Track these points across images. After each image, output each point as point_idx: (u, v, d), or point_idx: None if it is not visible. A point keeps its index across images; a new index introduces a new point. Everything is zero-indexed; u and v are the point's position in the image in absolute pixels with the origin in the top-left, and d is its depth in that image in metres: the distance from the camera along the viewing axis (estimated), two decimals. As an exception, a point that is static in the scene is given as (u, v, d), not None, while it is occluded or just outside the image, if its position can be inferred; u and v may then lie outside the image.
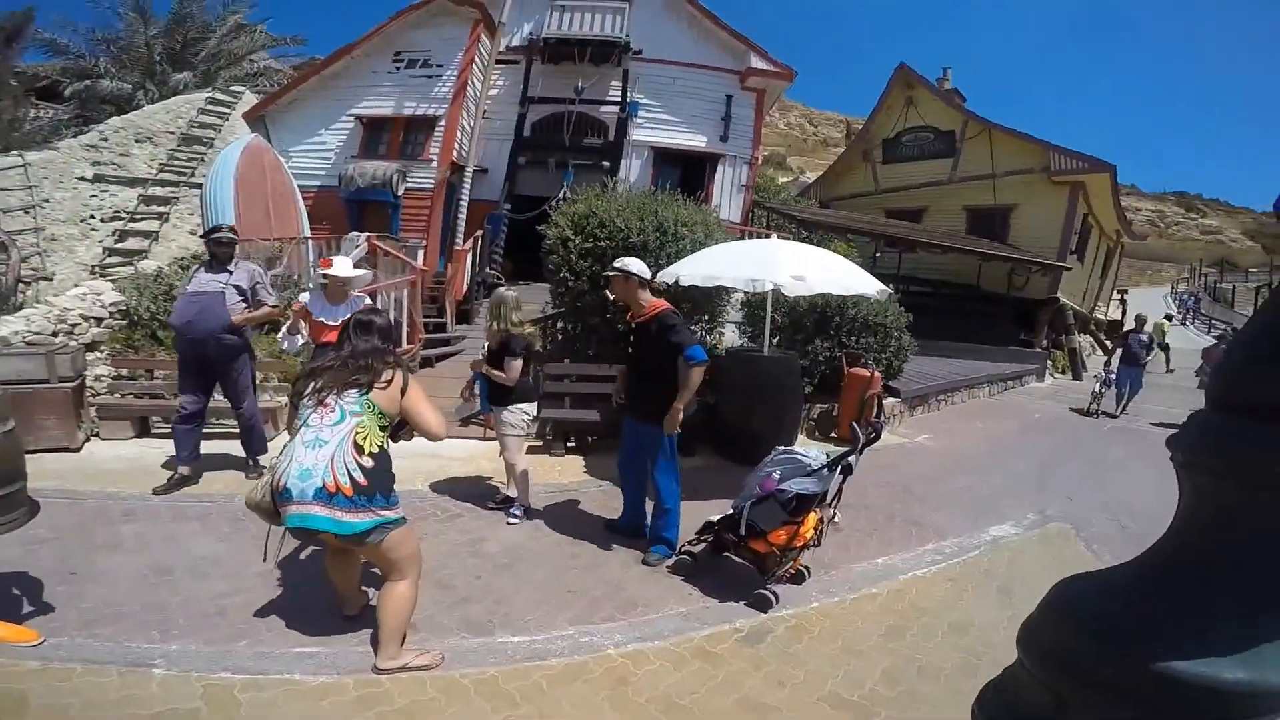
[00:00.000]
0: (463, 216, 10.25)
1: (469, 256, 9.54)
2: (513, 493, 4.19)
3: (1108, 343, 19.97)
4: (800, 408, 6.09)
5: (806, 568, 3.51)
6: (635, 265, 3.63)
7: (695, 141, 12.68)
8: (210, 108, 11.97)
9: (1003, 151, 14.99)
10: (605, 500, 4.55)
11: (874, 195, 17.38)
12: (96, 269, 9.19)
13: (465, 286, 9.49)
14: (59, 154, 10.28)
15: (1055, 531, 4.69)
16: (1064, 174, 14.10)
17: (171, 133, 11.36)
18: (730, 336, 7.37)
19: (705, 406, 5.91)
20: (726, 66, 12.58)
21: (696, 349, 3.45)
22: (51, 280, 8.83)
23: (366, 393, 2.43)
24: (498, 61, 11.34)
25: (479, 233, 10.19)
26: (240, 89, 13.23)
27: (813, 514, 3.40)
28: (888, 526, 4.49)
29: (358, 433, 2.36)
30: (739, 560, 3.51)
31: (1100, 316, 19.36)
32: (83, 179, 10.19)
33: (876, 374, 6.60)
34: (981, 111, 15.79)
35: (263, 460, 4.56)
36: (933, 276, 14.40)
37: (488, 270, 10.06)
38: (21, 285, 8.29)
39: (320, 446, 2.32)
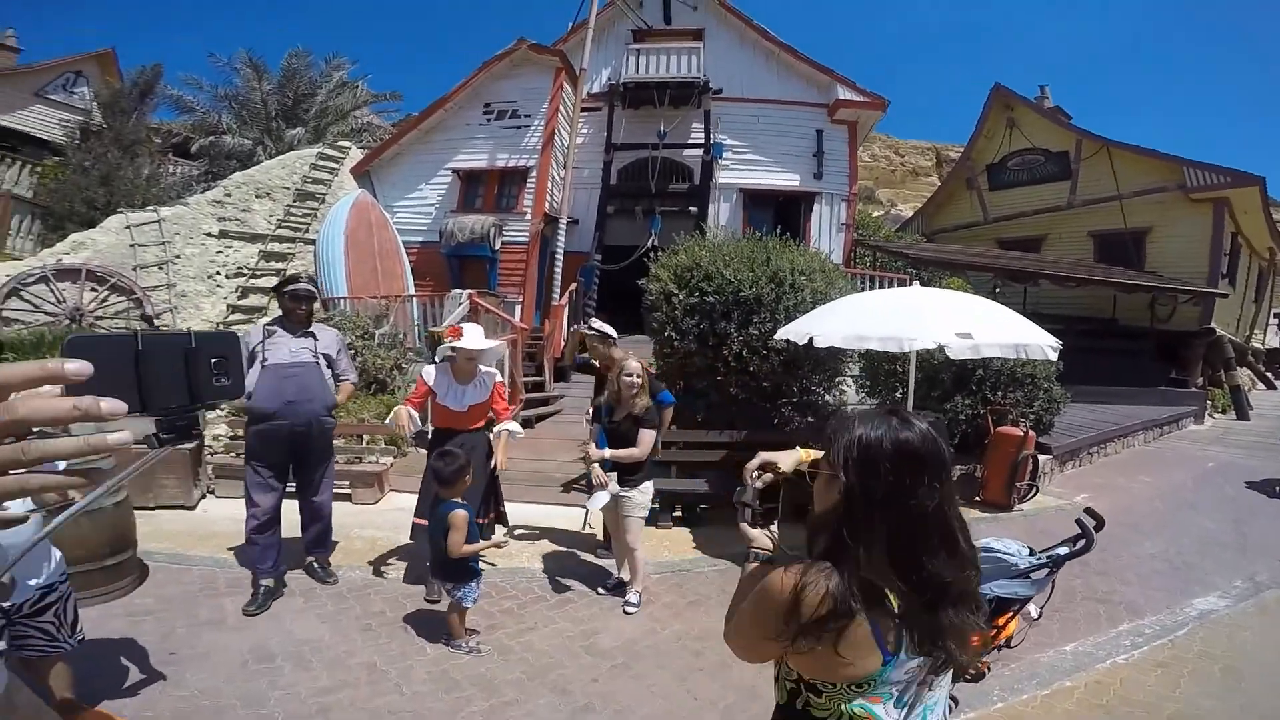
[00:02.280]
0: (558, 270, 10.16)
1: (565, 311, 9.38)
2: (625, 575, 3.76)
3: (1268, 374, 17.49)
4: (952, 479, 5.32)
5: (989, 665, 2.89)
6: (607, 327, 4.20)
7: (787, 181, 12.18)
8: (321, 163, 12.25)
9: (1127, 170, 13.57)
10: (723, 582, 4.05)
11: (984, 225, 16.16)
12: (220, 326, 9.52)
13: (563, 343, 9.33)
14: (189, 209, 10.60)
15: (1275, 600, 4.00)
16: (1204, 190, 12.49)
17: (287, 188, 11.65)
18: (850, 393, 6.70)
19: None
20: (812, 100, 12.14)
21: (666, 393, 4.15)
22: None
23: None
24: (582, 109, 11.39)
25: (573, 285, 10.06)
26: (347, 144, 13.52)
27: (1015, 619, 2.79)
28: (1068, 606, 3.79)
29: None
30: None
31: (1258, 345, 16.99)
32: (210, 235, 10.51)
33: (1030, 433, 5.79)
34: (1092, 130, 14.48)
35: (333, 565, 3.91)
36: (1061, 312, 12.99)
37: (582, 325, 9.87)
38: None
39: None
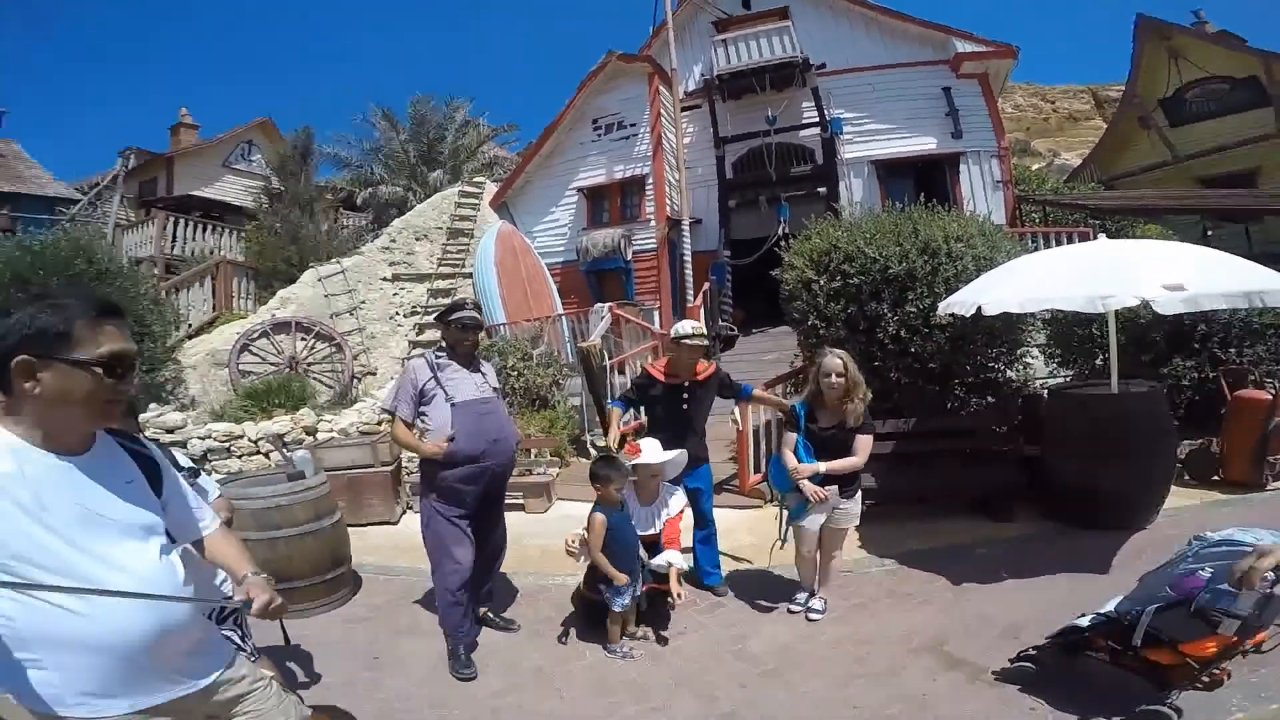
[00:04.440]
0: (689, 271, 10.20)
1: (701, 311, 9.35)
2: (817, 586, 3.52)
3: None
4: (1174, 455, 4.52)
5: (1229, 672, 2.35)
6: (688, 327, 3.73)
7: (922, 145, 11.20)
8: (463, 201, 12.82)
9: None
10: (891, 584, 3.76)
11: (1174, 165, 13.91)
12: (405, 361, 10.74)
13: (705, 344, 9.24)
14: (365, 258, 11.50)
15: None
16: None
17: (440, 228, 12.39)
18: (1037, 365, 5.94)
19: (1025, 460, 4.73)
20: (928, 59, 11.15)
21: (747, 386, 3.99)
22: (375, 374, 10.28)
23: None
24: (683, 109, 11.27)
25: (705, 285, 9.99)
26: (482, 180, 14.04)
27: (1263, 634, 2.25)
28: None
29: None
30: (1114, 666, 2.48)
31: None
32: (385, 279, 11.39)
33: None
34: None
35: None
36: (1299, 248, 10.68)
37: (720, 323, 9.75)
38: (355, 381, 9.79)
39: None
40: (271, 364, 9.23)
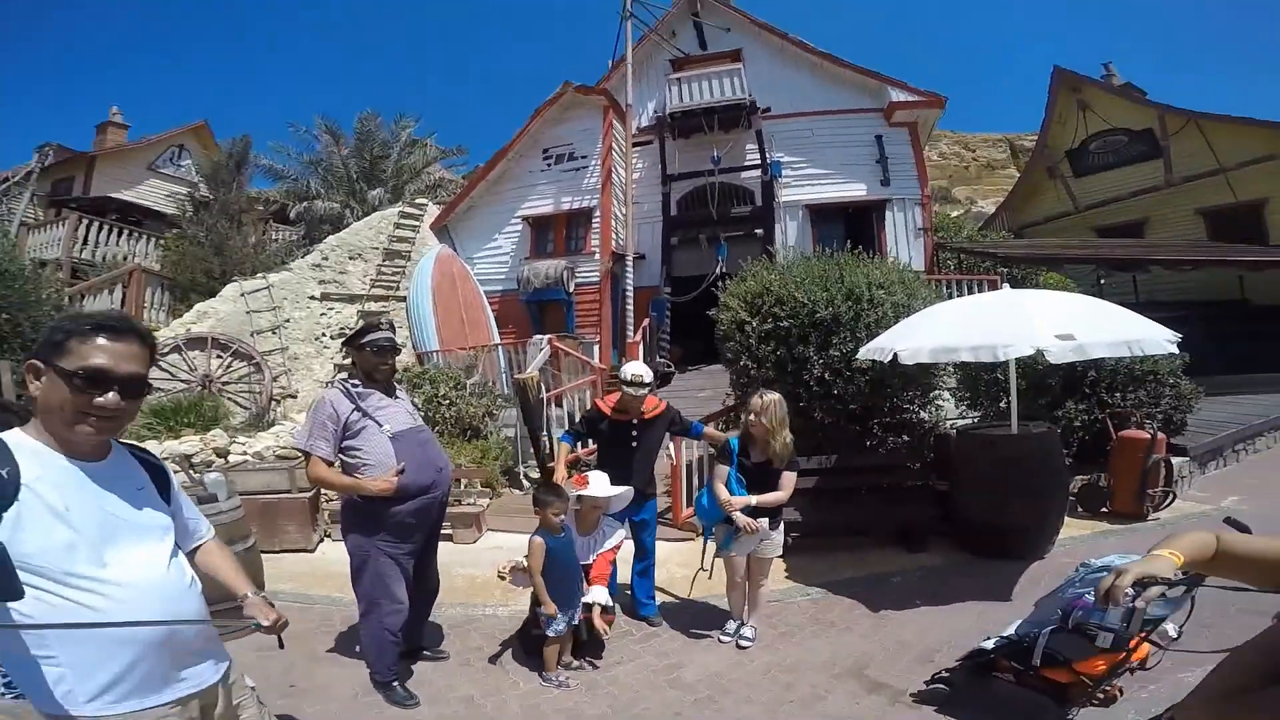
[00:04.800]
0: (630, 306, 10.28)
1: (640, 347, 9.43)
2: (746, 616, 3.63)
3: None
4: (1067, 491, 4.92)
5: (1120, 689, 2.59)
6: (640, 370, 3.79)
7: (853, 191, 11.80)
8: (403, 222, 12.56)
9: (1225, 142, 12.59)
10: (817, 613, 3.90)
11: (1076, 214, 15.17)
12: (329, 385, 10.25)
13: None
14: (293, 274, 11.02)
15: None
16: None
17: (376, 248, 12.05)
18: (948, 407, 6.35)
19: (938, 495, 5.03)
20: (866, 106, 11.79)
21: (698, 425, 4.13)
22: (296, 397, 9.66)
23: None
24: (634, 144, 11.50)
25: (646, 321, 10.09)
26: (424, 201, 13.76)
27: (1145, 645, 2.51)
28: (1221, 621, 3.27)
29: None
30: (1018, 685, 2.67)
31: None
32: (313, 298, 10.92)
33: (1160, 435, 5.28)
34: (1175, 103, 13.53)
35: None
36: (1181, 298, 11.88)
37: (658, 359, 9.88)
38: (273, 403, 9.23)
39: None
40: (183, 381, 8.71)
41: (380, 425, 2.93)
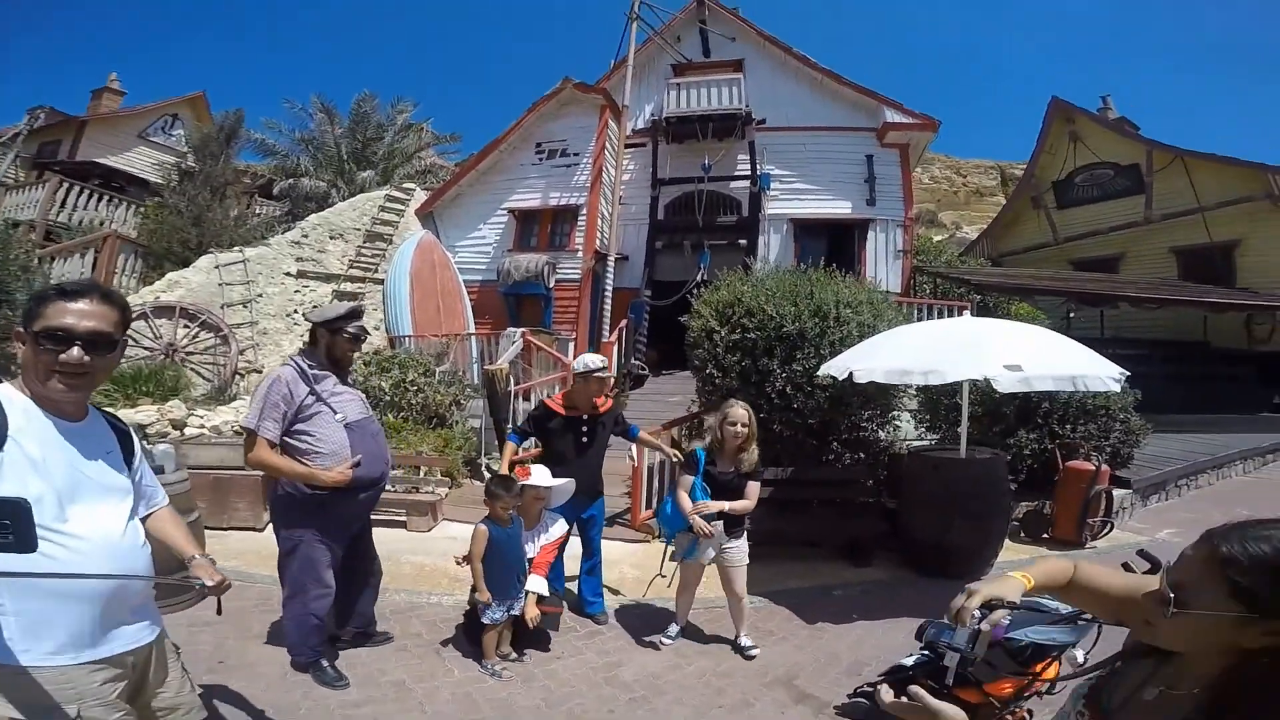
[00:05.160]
0: (607, 306, 10.33)
1: (615, 348, 9.48)
2: (742, 628, 3.65)
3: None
4: (1009, 516, 5.06)
5: (1030, 710, 2.70)
6: (595, 360, 3.86)
7: (838, 208, 11.97)
8: (389, 205, 12.53)
9: (1207, 181, 12.84)
10: (757, 620, 3.96)
11: (1054, 246, 15.47)
12: (284, 363, 10.06)
13: (613, 379, 9.28)
14: (271, 250, 10.97)
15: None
16: (1297, 198, 11.57)
17: (358, 229, 12.01)
18: (907, 428, 6.48)
19: (888, 512, 5.15)
20: (860, 125, 11.94)
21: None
22: (260, 372, 9.42)
23: None
24: (627, 145, 11.58)
25: (623, 323, 10.14)
26: (412, 186, 13.74)
27: (1055, 664, 2.62)
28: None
29: None
30: None
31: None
32: (289, 274, 10.88)
33: (1104, 468, 5.46)
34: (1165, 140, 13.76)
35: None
36: (1144, 336, 12.19)
37: (633, 361, 9.92)
38: (237, 377, 9.15)
39: None
40: (146, 348, 8.59)
41: (335, 412, 2.86)
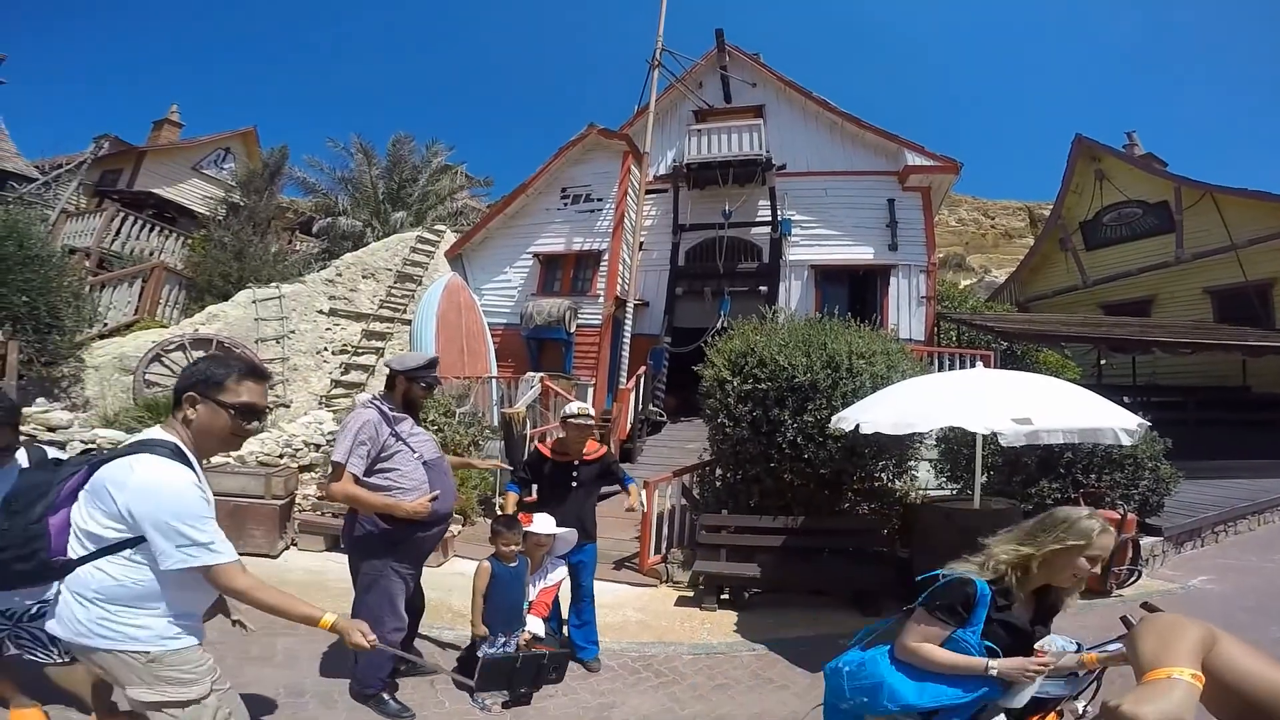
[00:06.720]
0: (625, 352, 10.28)
1: (633, 395, 9.39)
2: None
3: None
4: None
5: None
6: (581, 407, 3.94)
7: (860, 254, 11.77)
8: (420, 246, 12.71)
9: (1239, 217, 12.39)
10: (758, 668, 3.94)
11: (1083, 289, 15.05)
12: (323, 399, 10.15)
13: (629, 425, 9.18)
14: (306, 287, 11.18)
15: None
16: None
17: (389, 269, 12.22)
18: (925, 477, 6.38)
19: (897, 561, 5.06)
20: (881, 169, 11.84)
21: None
22: (288, 407, 9.77)
23: None
24: (648, 191, 11.63)
25: (642, 369, 10.05)
26: (443, 228, 13.97)
27: (1051, 715, 2.54)
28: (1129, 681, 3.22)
29: None
30: None
31: None
32: (321, 312, 11.08)
33: (1130, 516, 5.33)
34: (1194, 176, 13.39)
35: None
36: (1180, 382, 11.79)
37: (650, 408, 9.90)
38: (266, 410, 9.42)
39: None
40: (182, 378, 8.88)
41: (414, 451, 3.10)
